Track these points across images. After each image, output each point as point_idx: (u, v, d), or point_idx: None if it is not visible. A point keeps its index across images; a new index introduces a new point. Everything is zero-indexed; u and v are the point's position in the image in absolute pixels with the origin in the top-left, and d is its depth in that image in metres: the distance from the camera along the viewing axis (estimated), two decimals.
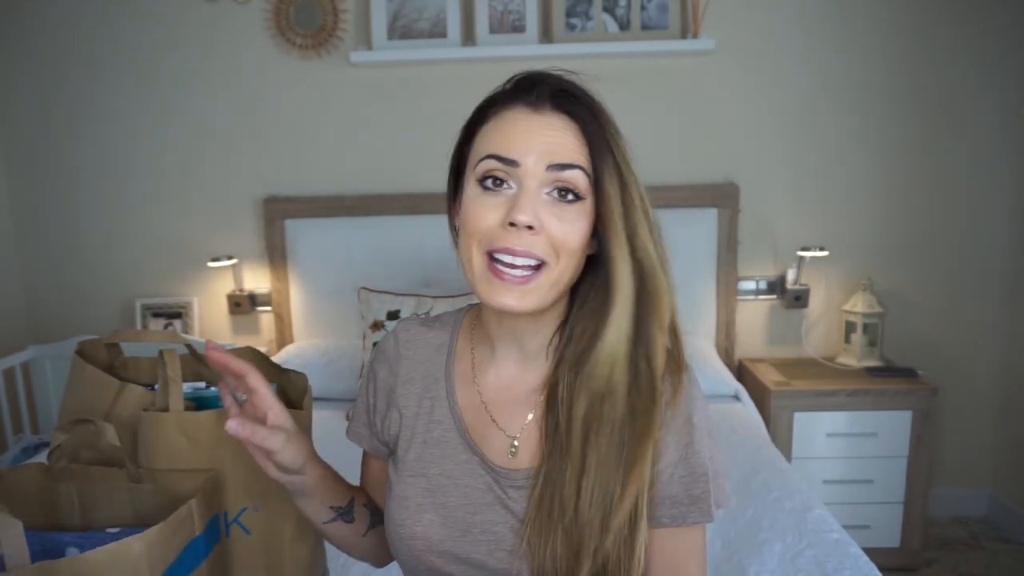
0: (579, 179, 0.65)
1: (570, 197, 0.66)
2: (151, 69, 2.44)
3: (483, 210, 0.66)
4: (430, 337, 0.83)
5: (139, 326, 2.53)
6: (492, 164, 0.66)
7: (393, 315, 2.13)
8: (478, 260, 0.67)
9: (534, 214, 0.64)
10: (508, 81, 0.72)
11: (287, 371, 0.92)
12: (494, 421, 0.76)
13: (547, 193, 0.66)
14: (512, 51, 2.28)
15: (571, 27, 2.33)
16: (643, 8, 2.31)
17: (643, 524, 0.66)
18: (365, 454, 0.87)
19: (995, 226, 2.42)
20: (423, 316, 0.89)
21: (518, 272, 0.65)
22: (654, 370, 0.67)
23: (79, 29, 2.42)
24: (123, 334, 0.88)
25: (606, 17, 2.32)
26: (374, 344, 2.05)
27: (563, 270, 0.66)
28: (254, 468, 0.81)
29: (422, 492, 0.75)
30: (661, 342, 0.68)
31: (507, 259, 0.65)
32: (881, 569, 1.23)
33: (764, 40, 2.36)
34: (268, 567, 0.82)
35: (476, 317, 0.83)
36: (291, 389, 0.91)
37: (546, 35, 2.35)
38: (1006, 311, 2.45)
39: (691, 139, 2.43)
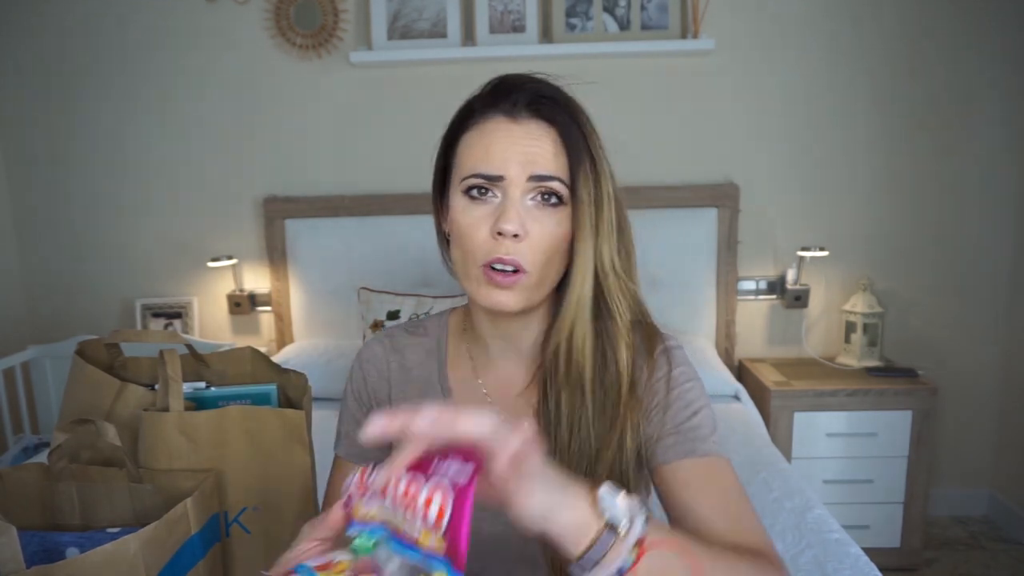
0: (559, 188, 0.69)
1: (553, 200, 0.69)
2: (151, 69, 2.44)
3: (473, 223, 0.70)
4: (417, 343, 0.84)
5: (139, 326, 2.53)
6: (477, 182, 0.69)
7: (393, 315, 2.13)
8: (476, 271, 0.70)
9: (520, 223, 0.67)
10: (487, 84, 0.74)
11: (287, 371, 0.92)
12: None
13: (531, 199, 0.69)
14: (512, 51, 2.28)
15: (571, 27, 2.33)
16: (643, 8, 2.31)
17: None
18: (342, 468, 0.85)
19: (995, 226, 2.41)
20: (394, 325, 0.89)
21: (508, 273, 0.68)
22: (619, 363, 0.71)
23: (79, 29, 2.42)
24: (123, 334, 0.88)
25: (606, 17, 2.33)
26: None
27: (544, 272, 0.69)
28: (254, 468, 0.81)
29: None
30: (624, 339, 0.71)
31: (499, 266, 0.68)
32: (881, 569, 1.23)
33: (764, 40, 2.36)
34: (268, 567, 0.82)
35: (461, 320, 0.84)
36: (291, 389, 0.91)
37: (546, 35, 2.35)
38: (1006, 311, 2.45)
39: (691, 139, 2.43)
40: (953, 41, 2.32)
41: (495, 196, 0.69)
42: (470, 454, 0.49)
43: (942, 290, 2.46)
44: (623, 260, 0.71)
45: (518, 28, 2.33)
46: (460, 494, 0.47)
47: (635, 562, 0.50)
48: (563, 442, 0.70)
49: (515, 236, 0.67)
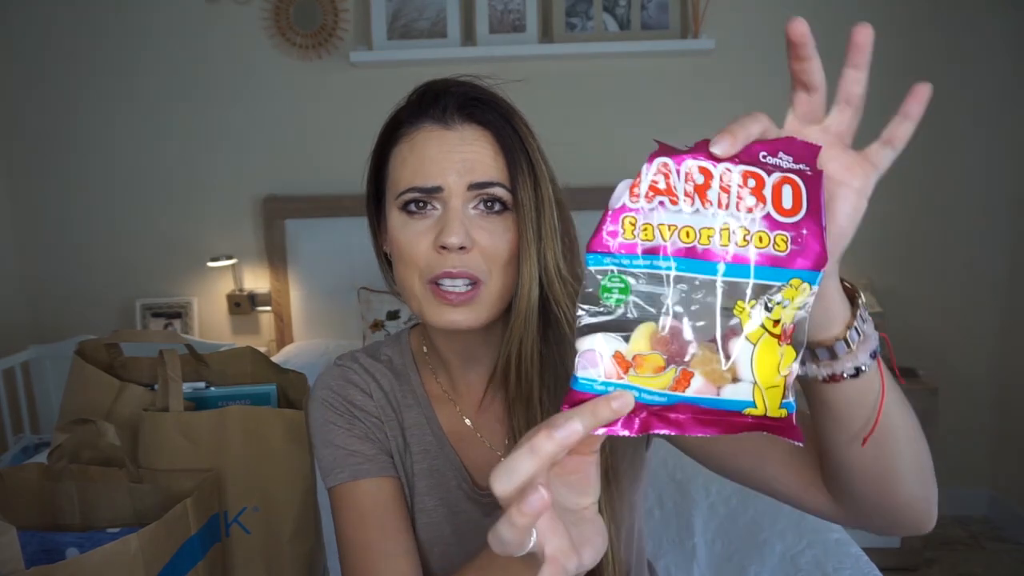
0: (501, 194, 0.65)
1: (497, 208, 0.65)
2: (151, 69, 2.44)
3: (414, 238, 0.65)
4: (383, 369, 0.78)
5: (139, 326, 2.53)
6: (415, 196, 0.65)
7: (393, 315, 2.14)
8: (420, 289, 0.66)
9: (464, 234, 0.63)
10: (412, 92, 0.70)
11: (287, 371, 0.92)
12: (482, 439, 0.75)
13: (473, 208, 0.65)
14: (512, 51, 2.28)
15: (571, 27, 2.33)
16: (643, 8, 2.31)
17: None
18: (354, 492, 0.72)
19: (995, 226, 2.41)
20: (351, 351, 0.83)
21: (460, 289, 0.64)
22: (569, 372, 0.67)
23: (78, 30, 2.42)
24: (123, 334, 0.88)
25: (606, 17, 2.32)
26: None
27: (501, 283, 0.66)
28: (254, 468, 0.81)
29: (423, 527, 0.74)
30: (568, 344, 0.66)
31: (447, 283, 0.64)
32: (881, 569, 1.23)
33: (764, 40, 2.36)
34: (268, 567, 0.83)
35: (421, 340, 0.80)
36: (291, 389, 0.91)
37: (546, 35, 2.35)
38: (1006, 311, 2.44)
39: (691, 139, 2.40)
40: (953, 41, 2.32)
41: (435, 209, 0.65)
42: (801, 148, 0.40)
43: (942, 290, 2.46)
44: (568, 264, 0.68)
45: (518, 28, 2.33)
46: (811, 181, 0.39)
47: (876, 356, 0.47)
48: None
49: (462, 248, 0.63)
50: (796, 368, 0.38)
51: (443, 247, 0.63)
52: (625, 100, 2.41)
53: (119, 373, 0.90)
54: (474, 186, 0.64)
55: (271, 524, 0.82)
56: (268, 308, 2.54)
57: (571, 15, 2.32)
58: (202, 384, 0.90)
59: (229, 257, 2.47)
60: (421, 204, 0.65)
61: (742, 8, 2.34)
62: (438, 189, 0.64)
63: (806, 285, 0.38)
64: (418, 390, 0.77)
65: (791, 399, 0.39)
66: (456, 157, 0.64)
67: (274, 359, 1.59)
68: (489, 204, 0.65)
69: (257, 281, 2.56)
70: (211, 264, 2.44)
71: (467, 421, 0.76)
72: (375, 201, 0.73)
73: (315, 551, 0.88)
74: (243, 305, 2.50)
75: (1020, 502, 2.39)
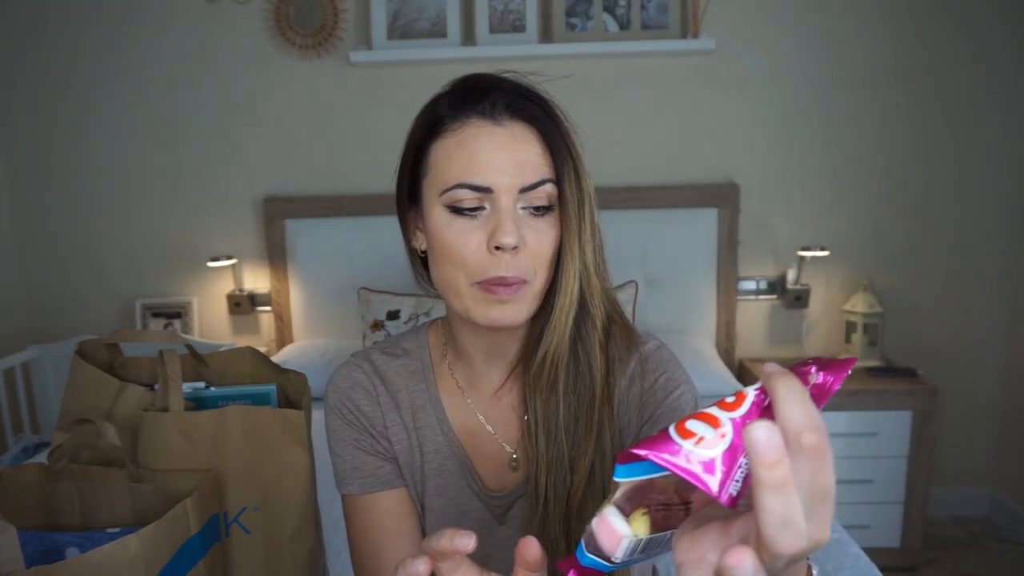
0: (549, 191, 0.65)
1: (545, 206, 0.66)
2: (151, 69, 2.44)
3: (462, 236, 0.65)
4: (399, 364, 0.79)
5: (139, 326, 2.53)
6: (464, 194, 0.64)
7: (393, 315, 2.14)
8: (467, 289, 0.66)
9: (518, 235, 0.63)
10: (451, 86, 0.69)
11: (287, 371, 0.92)
12: (494, 435, 0.76)
13: (522, 208, 0.65)
14: (512, 51, 2.28)
15: (571, 27, 2.33)
16: (643, 8, 2.31)
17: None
18: (363, 504, 0.76)
19: (996, 226, 2.41)
20: (368, 348, 0.84)
21: (510, 287, 0.65)
22: (592, 366, 0.69)
23: (79, 29, 2.42)
24: (123, 334, 0.88)
25: (606, 17, 2.32)
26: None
27: (543, 280, 0.67)
28: (254, 468, 0.81)
29: (432, 527, 0.75)
30: (598, 340, 0.69)
31: (499, 286, 0.64)
32: (881, 569, 1.23)
33: (764, 40, 2.36)
34: (268, 567, 0.82)
35: (439, 334, 0.80)
36: (290, 389, 0.91)
37: (546, 35, 2.35)
38: (1006, 311, 2.44)
39: (691, 139, 2.43)
40: (956, 42, 2.32)
41: (483, 209, 0.65)
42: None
43: (942, 290, 2.45)
44: (598, 259, 0.69)
45: (518, 28, 2.33)
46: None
47: None
48: (540, 449, 0.68)
49: (514, 248, 0.63)
50: (600, 516, 0.38)
51: (498, 247, 0.63)
52: (625, 100, 2.41)
53: (119, 373, 0.90)
54: (526, 188, 0.64)
55: (271, 524, 0.82)
56: (268, 308, 2.54)
57: (571, 15, 2.32)
58: (202, 384, 0.90)
59: (229, 257, 2.47)
60: (472, 208, 0.65)
61: (742, 8, 2.34)
62: (488, 189, 0.64)
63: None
64: (431, 388, 0.78)
65: (582, 547, 0.39)
66: (507, 156, 0.64)
67: (274, 359, 1.59)
68: (538, 209, 0.66)
69: (257, 281, 2.56)
70: (211, 264, 2.44)
71: (480, 417, 0.76)
72: (409, 191, 0.72)
73: (315, 551, 0.88)
74: (243, 305, 2.50)
75: (1020, 502, 2.39)
